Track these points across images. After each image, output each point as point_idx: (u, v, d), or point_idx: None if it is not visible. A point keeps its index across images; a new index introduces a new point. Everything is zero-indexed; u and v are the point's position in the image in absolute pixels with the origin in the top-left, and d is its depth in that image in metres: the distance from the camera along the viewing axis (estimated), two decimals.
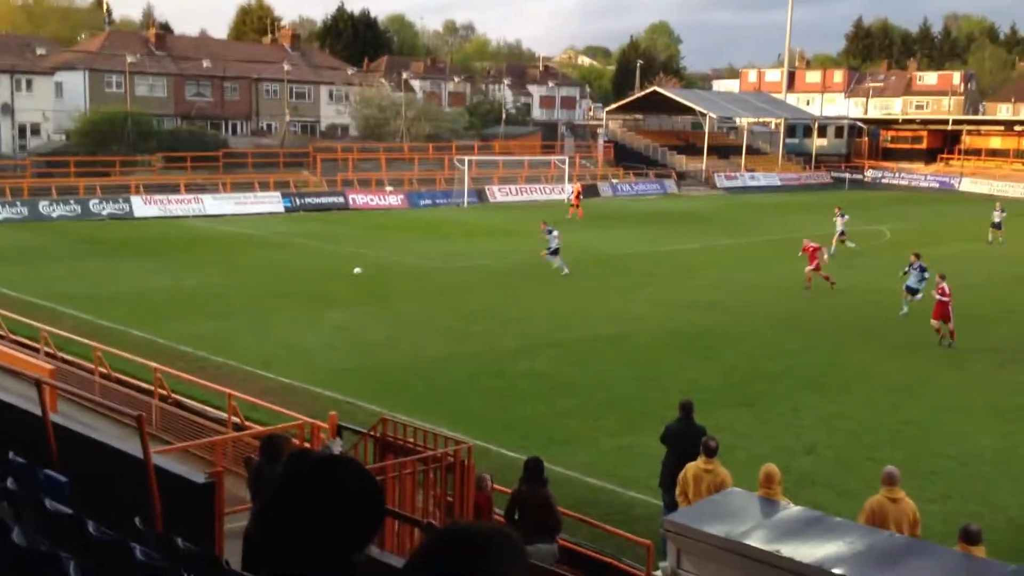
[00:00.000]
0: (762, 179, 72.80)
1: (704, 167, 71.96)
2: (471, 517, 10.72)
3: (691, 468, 10.97)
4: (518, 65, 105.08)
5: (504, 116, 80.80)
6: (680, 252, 37.56)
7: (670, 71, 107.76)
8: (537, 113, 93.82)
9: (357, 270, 31.16)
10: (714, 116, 74.85)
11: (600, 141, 74.91)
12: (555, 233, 31.67)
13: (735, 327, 24.19)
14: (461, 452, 11.11)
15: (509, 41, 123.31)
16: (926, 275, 25.20)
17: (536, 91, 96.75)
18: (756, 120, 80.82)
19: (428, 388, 18.54)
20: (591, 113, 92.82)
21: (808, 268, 29.39)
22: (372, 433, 12.18)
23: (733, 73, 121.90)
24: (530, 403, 17.66)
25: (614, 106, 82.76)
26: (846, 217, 37.42)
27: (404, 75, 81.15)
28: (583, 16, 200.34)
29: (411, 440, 11.80)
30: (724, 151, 76.12)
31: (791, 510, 9.30)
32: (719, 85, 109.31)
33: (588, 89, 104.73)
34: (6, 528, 5.64)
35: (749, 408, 17.53)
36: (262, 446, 8.12)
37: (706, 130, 73.56)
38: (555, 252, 31.35)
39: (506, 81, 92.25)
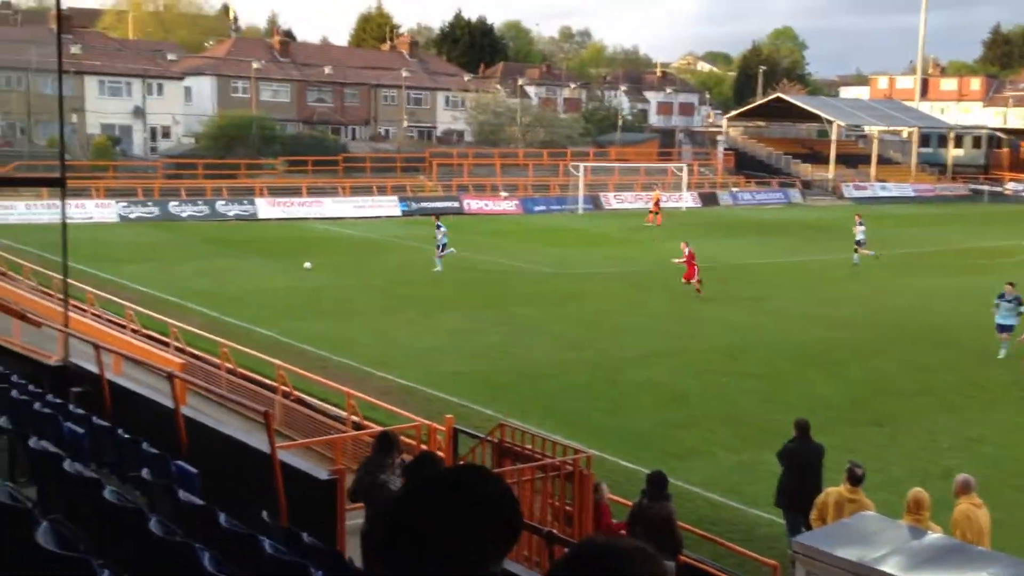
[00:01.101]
0: (894, 189, 70.32)
1: (831, 176, 70.13)
2: (590, 527, 10.59)
3: (832, 493, 10.59)
4: (635, 71, 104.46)
5: (620, 122, 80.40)
6: (805, 264, 36.60)
7: (794, 77, 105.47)
8: (654, 120, 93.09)
9: (307, 265, 31.93)
10: (842, 124, 72.93)
11: (720, 148, 73.78)
12: (443, 229, 32.62)
13: (864, 342, 23.35)
14: (580, 461, 10.99)
15: (626, 47, 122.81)
16: (1023, 308, 21.81)
17: (653, 97, 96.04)
18: (887, 128, 78.34)
19: (541, 394, 18.46)
20: (710, 120, 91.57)
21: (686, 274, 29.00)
22: (490, 438, 12.18)
23: (861, 80, 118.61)
24: (645, 414, 17.40)
25: (735, 112, 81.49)
26: (863, 226, 36.62)
27: (520, 81, 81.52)
28: (703, 21, 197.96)
29: (528, 447, 11.75)
30: (852, 160, 74.04)
31: (928, 537, 8.88)
32: (846, 92, 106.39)
33: (707, 95, 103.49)
34: (143, 517, 5.77)
35: (880, 428, 16.87)
36: (378, 438, 8.16)
37: (833, 138, 71.67)
38: (442, 248, 32.35)
39: (622, 87, 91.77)
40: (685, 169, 61.61)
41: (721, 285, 31.07)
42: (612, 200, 58.84)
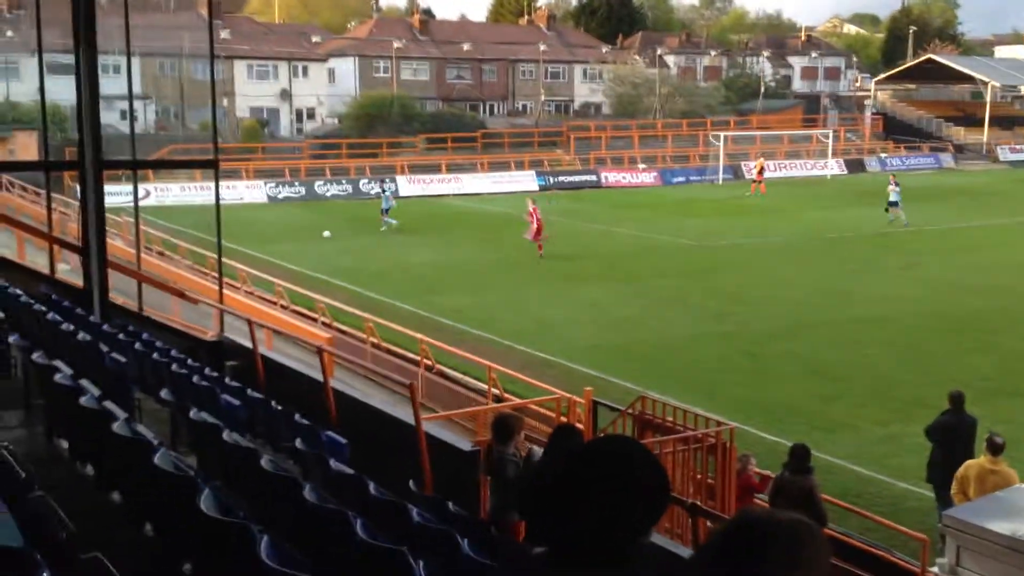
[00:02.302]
0: None
1: (985, 139, 66.75)
2: (734, 500, 10.48)
3: (973, 466, 10.22)
4: (778, 36, 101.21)
5: (763, 89, 78.36)
6: (958, 230, 35.11)
7: (946, 37, 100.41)
8: (798, 85, 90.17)
9: (326, 234, 32.86)
10: (997, 84, 69.28)
11: (868, 113, 71.11)
12: (387, 193, 34.93)
13: (1017, 311, 22.31)
14: (723, 433, 10.88)
15: (768, 12, 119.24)
16: None
17: (797, 62, 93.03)
18: None
19: (681, 367, 18.32)
20: (858, 84, 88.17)
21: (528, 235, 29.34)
22: (631, 411, 12.17)
23: (1018, 38, 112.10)
24: (788, 386, 17.06)
25: (883, 76, 78.32)
26: (898, 187, 36.05)
27: (658, 51, 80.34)
28: None
29: (670, 419, 11.69)
30: (1008, 122, 70.29)
31: None
32: (1002, 52, 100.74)
33: (854, 59, 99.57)
34: (297, 485, 6.01)
35: None
36: (493, 426, 8.21)
37: (987, 100, 68.16)
38: (387, 211, 34.26)
39: (765, 53, 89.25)
40: (831, 135, 59.73)
41: (869, 253, 30.12)
42: (754, 170, 57.52)
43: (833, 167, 58.30)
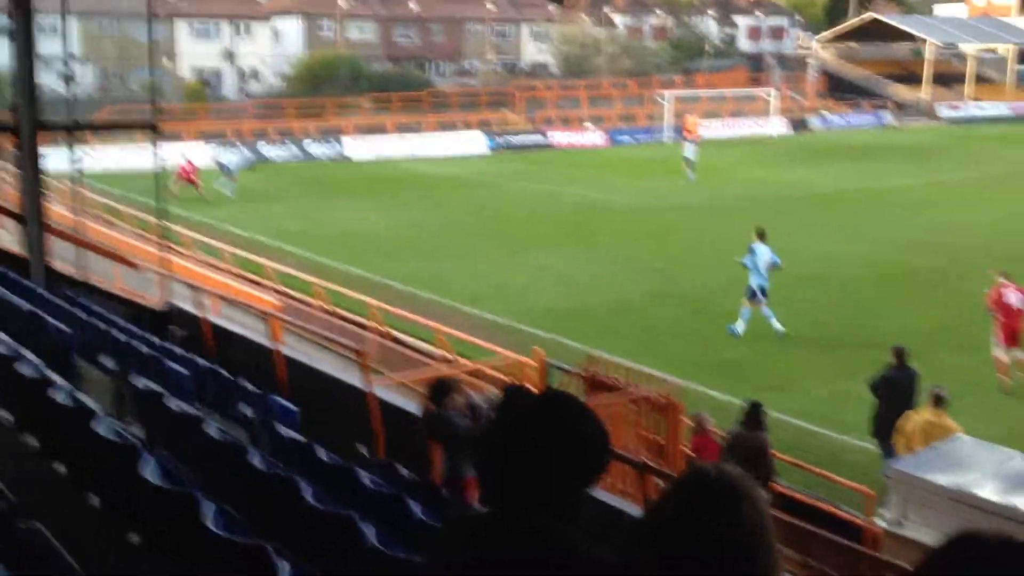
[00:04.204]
0: (990, 109, 67.68)
1: (925, 97, 67.64)
2: (681, 458, 10.60)
3: (916, 419, 10.44)
4: None
5: (708, 49, 78.53)
6: (899, 188, 35.62)
7: None
8: (743, 45, 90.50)
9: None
10: (936, 43, 70.07)
11: (811, 72, 71.63)
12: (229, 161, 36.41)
13: (956, 267, 22.78)
14: (671, 392, 10.98)
15: None
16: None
17: (742, 22, 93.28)
18: (983, 47, 75.08)
19: (633, 328, 18.44)
20: (801, 43, 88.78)
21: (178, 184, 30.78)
22: (580, 371, 12.24)
23: None
24: (737, 345, 17.29)
25: (827, 34, 78.92)
26: (695, 144, 38.43)
27: (605, 10, 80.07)
28: None
29: (618, 379, 11.77)
30: (947, 80, 71.25)
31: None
32: (941, 10, 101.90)
33: (798, 18, 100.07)
34: (244, 452, 5.96)
35: (975, 354, 16.46)
36: (431, 389, 8.21)
37: (928, 58, 68.98)
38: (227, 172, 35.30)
39: (710, 13, 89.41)
40: (774, 94, 60.08)
41: (812, 212, 30.48)
42: (700, 129, 57.71)
43: (777, 126, 58.68)
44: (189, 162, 32.00)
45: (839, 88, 70.23)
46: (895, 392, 11.61)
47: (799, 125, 60.56)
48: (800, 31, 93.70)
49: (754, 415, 10.20)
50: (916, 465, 9.05)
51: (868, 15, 75.79)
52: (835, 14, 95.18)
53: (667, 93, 56.38)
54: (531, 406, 2.31)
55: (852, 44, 77.66)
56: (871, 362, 13.48)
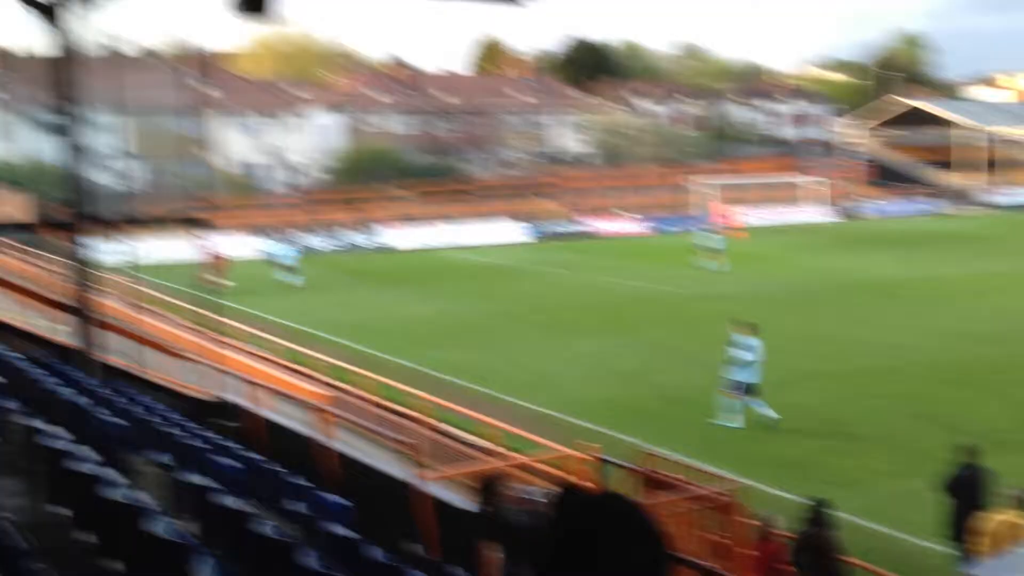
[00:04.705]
0: None
1: (974, 184, 67.20)
2: (749, 560, 10.19)
3: (994, 521, 9.98)
4: (760, 84, 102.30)
5: (745, 136, 78.99)
6: (957, 276, 34.98)
7: (924, 82, 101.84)
8: (785, 132, 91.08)
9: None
10: (984, 129, 69.94)
11: (857, 159, 71.74)
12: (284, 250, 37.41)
13: (1022, 359, 22.12)
14: (734, 491, 10.62)
15: (753, 60, 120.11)
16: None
17: (779, 109, 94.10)
18: None
19: (684, 421, 18.06)
20: (841, 130, 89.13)
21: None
22: (636, 467, 11.91)
23: (990, 81, 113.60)
24: (795, 440, 16.82)
25: (873, 122, 79.20)
26: (718, 235, 38.74)
27: (644, 100, 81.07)
28: (825, 29, 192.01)
29: (677, 476, 11.44)
30: (995, 165, 70.88)
31: None
32: (975, 92, 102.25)
33: (835, 105, 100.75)
34: (296, 550, 5.79)
35: None
36: (483, 487, 7.98)
37: (977, 145, 68.76)
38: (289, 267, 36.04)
39: (751, 101, 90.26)
40: (820, 182, 60.14)
41: (866, 302, 30.02)
42: (741, 217, 57.77)
43: (820, 214, 58.56)
44: (217, 255, 32.28)
45: (884, 175, 70.12)
46: (968, 492, 11.16)
47: (846, 212, 60.40)
48: (839, 118, 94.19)
49: (819, 514, 9.84)
50: (997, 569, 8.60)
51: (907, 102, 76.04)
52: (875, 101, 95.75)
53: (708, 181, 56.59)
54: (589, 508, 2.22)
55: (894, 131, 77.82)
56: (938, 460, 13.02)
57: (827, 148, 79.22)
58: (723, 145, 78.48)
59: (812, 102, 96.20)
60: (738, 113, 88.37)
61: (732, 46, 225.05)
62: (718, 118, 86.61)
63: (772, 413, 17.44)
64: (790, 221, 57.60)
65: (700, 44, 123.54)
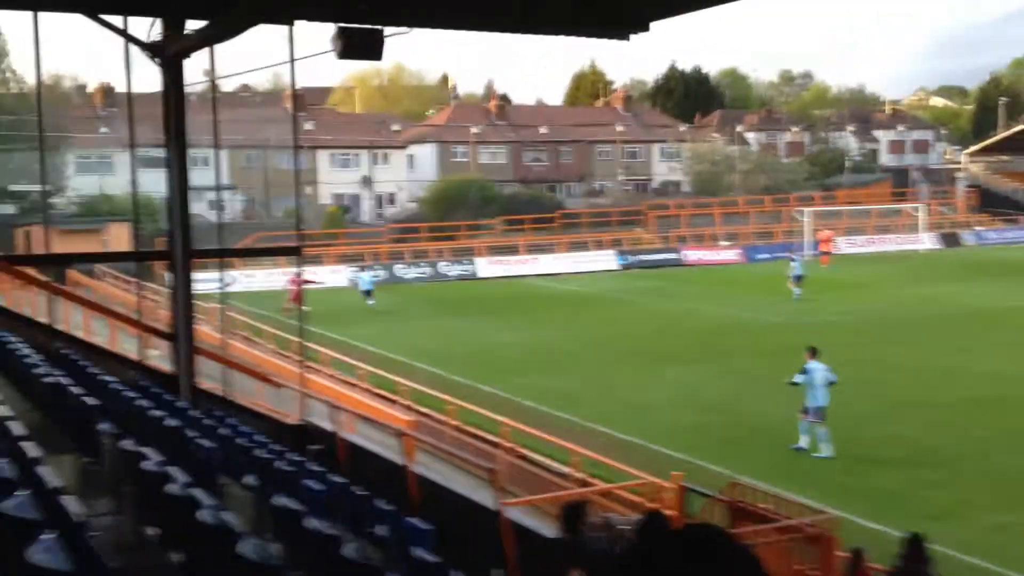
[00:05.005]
0: None
1: None
2: None
3: None
4: (862, 110, 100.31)
5: (848, 164, 77.50)
6: None
7: None
8: (885, 159, 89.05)
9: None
10: None
11: (960, 185, 69.73)
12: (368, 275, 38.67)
13: None
14: (824, 523, 10.32)
15: (851, 86, 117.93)
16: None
17: (883, 136, 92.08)
18: None
19: (774, 450, 17.67)
20: (948, 156, 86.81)
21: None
22: (722, 497, 11.68)
23: None
24: (892, 471, 16.29)
25: (975, 148, 76.91)
26: (796, 262, 38.12)
27: (738, 128, 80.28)
28: (935, 55, 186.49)
29: (764, 507, 11.17)
30: None
31: None
32: None
33: (943, 131, 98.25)
34: (379, 574, 5.79)
35: None
36: (566, 513, 7.87)
37: None
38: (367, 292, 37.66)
39: (849, 128, 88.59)
40: (922, 209, 58.66)
41: (971, 330, 29.06)
42: (842, 245, 56.51)
43: (925, 241, 57.10)
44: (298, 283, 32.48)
45: (991, 202, 67.99)
46: None
47: (950, 240, 58.74)
48: (946, 144, 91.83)
49: (916, 548, 9.45)
50: None
51: (1018, 127, 73.68)
52: (982, 127, 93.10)
53: (805, 209, 55.65)
54: (679, 537, 2.09)
55: (1003, 157, 75.42)
56: None
57: (930, 174, 77.24)
58: (822, 172, 77.16)
59: (915, 128, 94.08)
60: (839, 140, 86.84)
61: (837, 73, 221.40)
62: (818, 145, 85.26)
63: (821, 447, 17.21)
64: (890, 249, 56.30)
65: (804, 72, 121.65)
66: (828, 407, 17.53)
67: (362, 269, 43.06)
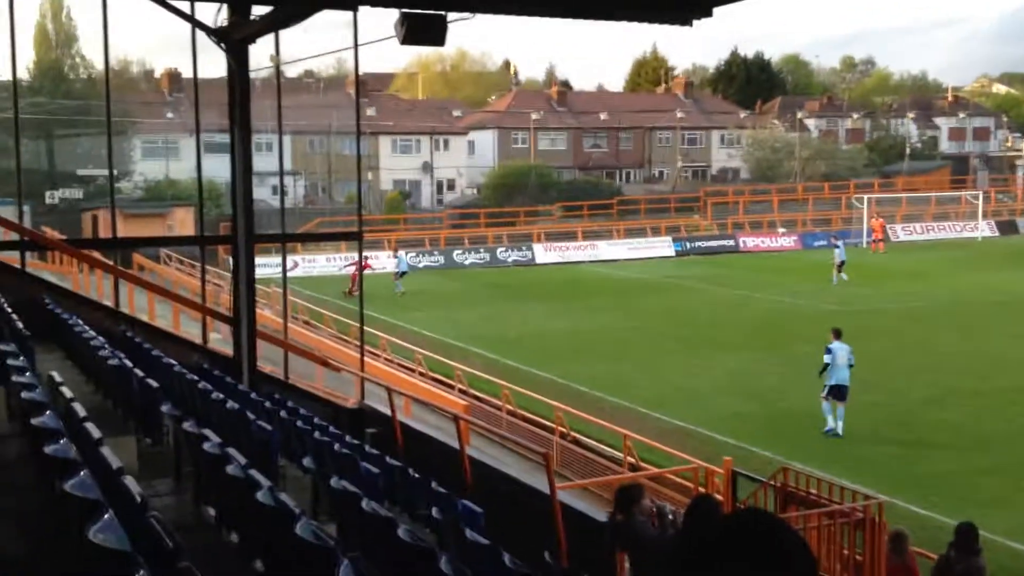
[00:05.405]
0: None
1: None
2: None
3: None
4: (923, 97, 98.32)
5: (908, 151, 76.16)
6: None
7: None
8: (945, 146, 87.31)
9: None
10: None
11: (1020, 173, 68.16)
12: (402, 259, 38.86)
13: None
14: (872, 508, 10.40)
15: (913, 73, 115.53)
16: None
17: (944, 123, 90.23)
18: None
19: (825, 437, 17.67)
20: (1009, 144, 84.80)
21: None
22: (772, 482, 11.80)
23: None
24: (942, 458, 16.28)
25: None
26: (840, 248, 37.92)
27: (799, 115, 79.24)
28: (998, 41, 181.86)
29: (814, 492, 11.27)
30: None
31: None
32: None
33: (1004, 119, 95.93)
34: (434, 557, 6.02)
35: None
36: (618, 496, 8.01)
37: None
38: (402, 275, 37.33)
39: (910, 114, 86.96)
40: (981, 196, 57.51)
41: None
42: (900, 232, 55.74)
43: (984, 229, 56.02)
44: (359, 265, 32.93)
45: None
46: None
47: (1007, 228, 57.57)
48: (1007, 132, 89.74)
49: (967, 537, 9.50)
50: None
51: None
52: None
53: (864, 196, 54.92)
54: (728, 522, 2.09)
55: None
56: None
57: (989, 162, 75.59)
58: (881, 159, 75.93)
59: (976, 115, 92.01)
60: (899, 127, 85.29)
61: (899, 60, 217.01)
62: (878, 132, 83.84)
63: (839, 430, 17.52)
64: (948, 236, 55.42)
65: (866, 58, 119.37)
66: (849, 387, 17.76)
67: (400, 252, 43.44)
